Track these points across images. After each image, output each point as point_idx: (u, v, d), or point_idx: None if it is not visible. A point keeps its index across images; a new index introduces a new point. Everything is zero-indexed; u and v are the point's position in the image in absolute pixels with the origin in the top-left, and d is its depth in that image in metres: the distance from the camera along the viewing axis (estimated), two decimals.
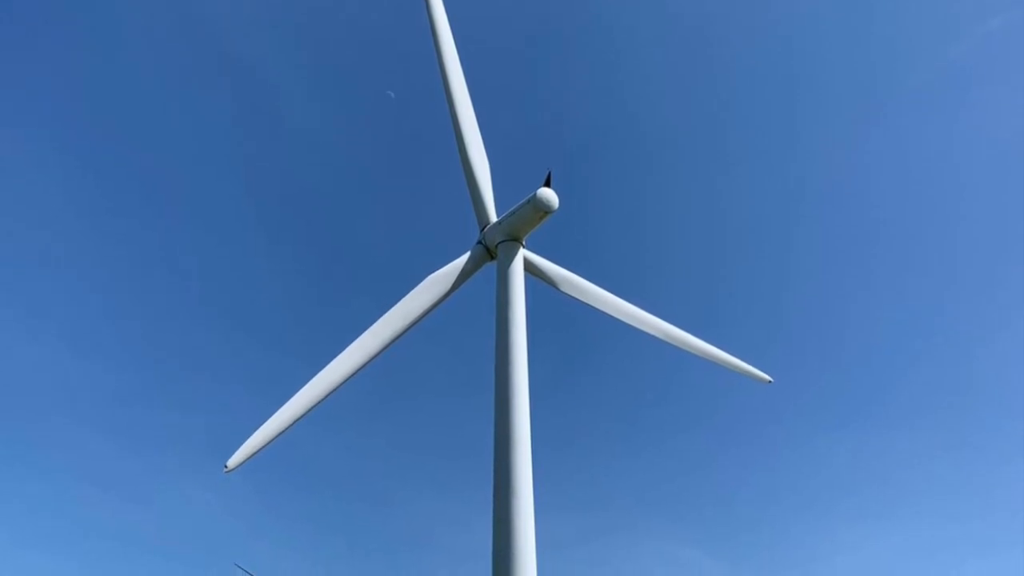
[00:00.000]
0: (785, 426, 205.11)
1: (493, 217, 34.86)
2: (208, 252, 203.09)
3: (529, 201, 32.88)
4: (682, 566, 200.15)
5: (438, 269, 33.88)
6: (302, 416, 30.07)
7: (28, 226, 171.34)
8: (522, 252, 33.56)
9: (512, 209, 33.73)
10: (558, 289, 35.48)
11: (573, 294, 35.74)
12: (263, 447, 29.00)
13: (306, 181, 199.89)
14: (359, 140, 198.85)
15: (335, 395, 30.96)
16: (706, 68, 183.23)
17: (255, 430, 29.04)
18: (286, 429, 29.57)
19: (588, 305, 36.07)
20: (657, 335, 37.28)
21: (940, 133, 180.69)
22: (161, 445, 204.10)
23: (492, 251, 34.02)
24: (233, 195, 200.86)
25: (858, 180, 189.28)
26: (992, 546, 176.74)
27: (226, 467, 28.04)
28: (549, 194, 32.69)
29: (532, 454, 28.97)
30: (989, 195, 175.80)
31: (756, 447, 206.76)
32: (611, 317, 36.52)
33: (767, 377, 39.15)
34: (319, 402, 30.55)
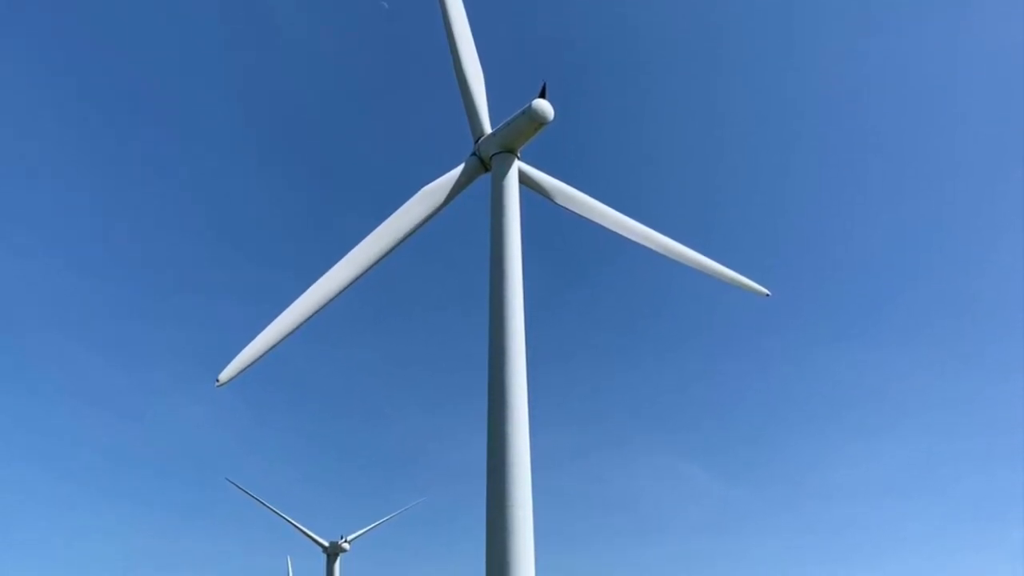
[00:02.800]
0: (783, 340, 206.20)
1: (488, 128, 34.30)
2: (199, 165, 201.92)
3: (524, 112, 32.41)
4: (679, 480, 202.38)
5: (432, 181, 33.53)
6: (294, 330, 29.92)
7: (18, 140, 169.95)
8: (517, 164, 33.17)
9: (507, 120, 33.26)
10: (553, 201, 35.07)
11: (568, 206, 35.37)
12: (255, 361, 28.92)
13: (298, 93, 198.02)
14: (352, 51, 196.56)
15: (327, 309, 30.81)
16: None
17: (246, 344, 28.93)
18: (278, 343, 29.46)
19: (583, 217, 35.70)
20: (653, 248, 36.95)
21: (938, 44, 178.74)
22: (152, 360, 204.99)
23: (486, 163, 33.59)
24: (225, 109, 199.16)
25: (856, 91, 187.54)
26: (991, 461, 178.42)
27: (217, 381, 27.94)
28: (544, 105, 32.22)
29: (527, 368, 28.89)
30: (988, 107, 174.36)
31: (754, 361, 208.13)
32: (607, 229, 36.15)
33: (764, 290, 38.91)
34: (311, 316, 30.39)
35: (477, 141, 34.25)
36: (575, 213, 35.43)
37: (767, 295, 38.91)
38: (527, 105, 32.34)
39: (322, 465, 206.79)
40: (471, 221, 35.90)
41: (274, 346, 29.39)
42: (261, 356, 29.11)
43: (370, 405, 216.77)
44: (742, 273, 39.10)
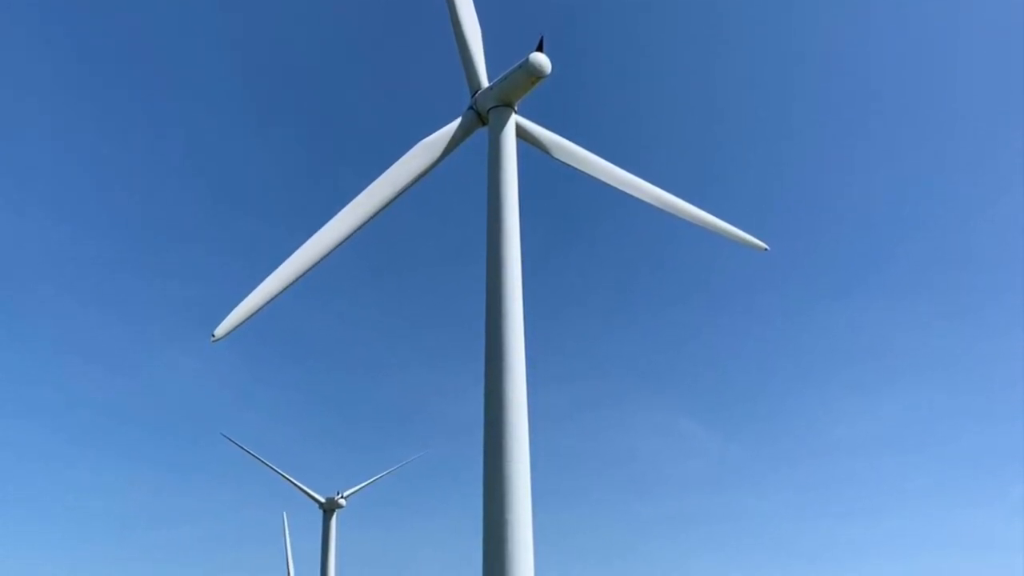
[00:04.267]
0: (781, 294, 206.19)
1: (485, 82, 34.09)
2: (195, 118, 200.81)
3: (521, 66, 32.16)
4: (676, 436, 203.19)
5: (429, 135, 33.33)
6: (291, 284, 29.80)
7: (12, 93, 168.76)
8: (514, 118, 33.02)
9: (504, 74, 33.02)
10: (551, 155, 34.96)
11: (566, 160, 35.26)
12: (251, 316, 28.79)
13: (295, 45, 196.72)
14: (349, 3, 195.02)
15: (325, 263, 30.67)
16: None
17: (243, 298, 28.79)
18: (275, 297, 29.34)
19: (581, 172, 35.63)
20: (651, 202, 36.86)
21: None
22: (147, 313, 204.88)
23: (483, 117, 33.46)
24: (221, 61, 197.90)
25: (856, 41, 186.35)
26: (992, 417, 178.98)
27: (213, 336, 27.80)
28: (541, 59, 31.96)
29: (524, 324, 28.82)
30: (989, 59, 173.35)
31: (752, 316, 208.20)
32: (605, 184, 36.08)
33: (762, 244, 38.83)
34: (308, 270, 30.26)
35: (474, 95, 34.07)
36: (573, 167, 35.33)
37: (765, 249, 38.85)
38: (524, 59, 32.07)
39: (319, 420, 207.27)
40: (468, 175, 35.75)
41: (271, 300, 29.25)
42: (258, 310, 28.98)
43: (368, 359, 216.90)
44: (740, 227, 39.04)
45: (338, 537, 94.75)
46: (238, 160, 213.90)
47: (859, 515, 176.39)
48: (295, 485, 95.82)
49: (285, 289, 29.68)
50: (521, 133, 33.64)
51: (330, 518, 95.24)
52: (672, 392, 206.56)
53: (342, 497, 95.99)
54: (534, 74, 31.91)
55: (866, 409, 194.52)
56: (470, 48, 34.70)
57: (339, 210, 31.38)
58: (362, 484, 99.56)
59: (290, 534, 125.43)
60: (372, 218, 31.70)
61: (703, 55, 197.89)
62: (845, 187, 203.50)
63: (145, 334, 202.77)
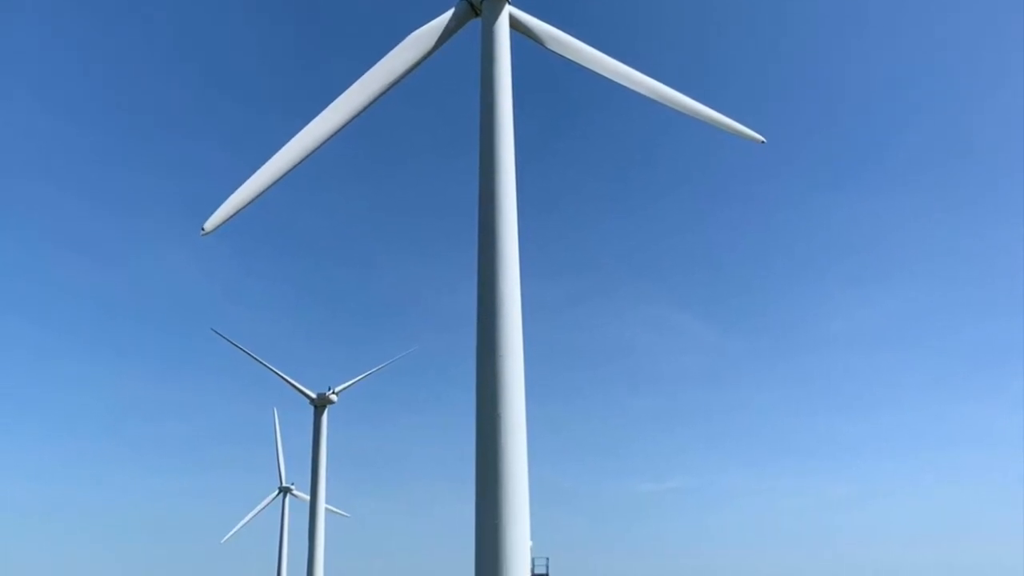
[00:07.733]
0: (778, 187, 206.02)
1: None
2: (185, 8, 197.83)
3: None
4: (672, 330, 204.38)
5: (421, 26, 32.78)
6: (282, 177, 29.56)
7: None
8: (508, 8, 32.65)
9: None
10: (545, 47, 34.50)
11: (561, 52, 34.81)
12: (242, 208, 28.59)
13: None
14: None
15: (316, 155, 30.42)
16: None
17: (233, 191, 28.51)
18: (265, 190, 29.10)
19: (576, 63, 35.17)
20: (645, 93, 36.48)
21: None
22: (136, 206, 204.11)
23: (477, 7, 32.94)
24: None
25: None
26: (990, 310, 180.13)
27: (203, 229, 27.61)
28: None
29: (518, 216, 28.68)
30: None
31: (748, 208, 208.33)
32: (599, 76, 35.68)
33: (759, 137, 38.45)
34: (300, 162, 29.97)
35: None
36: (567, 59, 34.90)
37: (762, 142, 38.46)
38: None
39: (310, 315, 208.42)
40: (461, 68, 35.38)
41: (262, 193, 29.03)
42: (248, 203, 28.80)
43: (359, 252, 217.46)
44: (736, 119, 38.67)
45: (329, 433, 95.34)
46: (230, 50, 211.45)
47: (856, 409, 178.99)
48: (286, 381, 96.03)
49: (276, 182, 29.43)
50: (515, 24, 33.21)
51: (321, 414, 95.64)
52: (667, 285, 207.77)
53: (333, 393, 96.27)
54: None
55: (863, 302, 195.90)
56: None
57: (331, 101, 31.05)
58: (354, 379, 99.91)
59: (281, 430, 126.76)
60: (364, 110, 31.36)
61: None
62: (843, 76, 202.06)
63: (135, 227, 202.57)
